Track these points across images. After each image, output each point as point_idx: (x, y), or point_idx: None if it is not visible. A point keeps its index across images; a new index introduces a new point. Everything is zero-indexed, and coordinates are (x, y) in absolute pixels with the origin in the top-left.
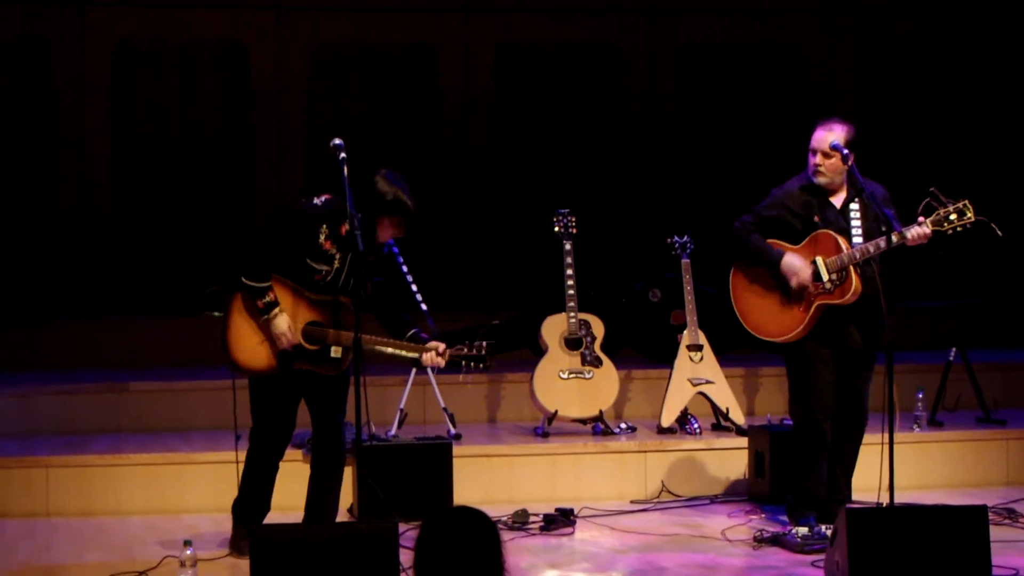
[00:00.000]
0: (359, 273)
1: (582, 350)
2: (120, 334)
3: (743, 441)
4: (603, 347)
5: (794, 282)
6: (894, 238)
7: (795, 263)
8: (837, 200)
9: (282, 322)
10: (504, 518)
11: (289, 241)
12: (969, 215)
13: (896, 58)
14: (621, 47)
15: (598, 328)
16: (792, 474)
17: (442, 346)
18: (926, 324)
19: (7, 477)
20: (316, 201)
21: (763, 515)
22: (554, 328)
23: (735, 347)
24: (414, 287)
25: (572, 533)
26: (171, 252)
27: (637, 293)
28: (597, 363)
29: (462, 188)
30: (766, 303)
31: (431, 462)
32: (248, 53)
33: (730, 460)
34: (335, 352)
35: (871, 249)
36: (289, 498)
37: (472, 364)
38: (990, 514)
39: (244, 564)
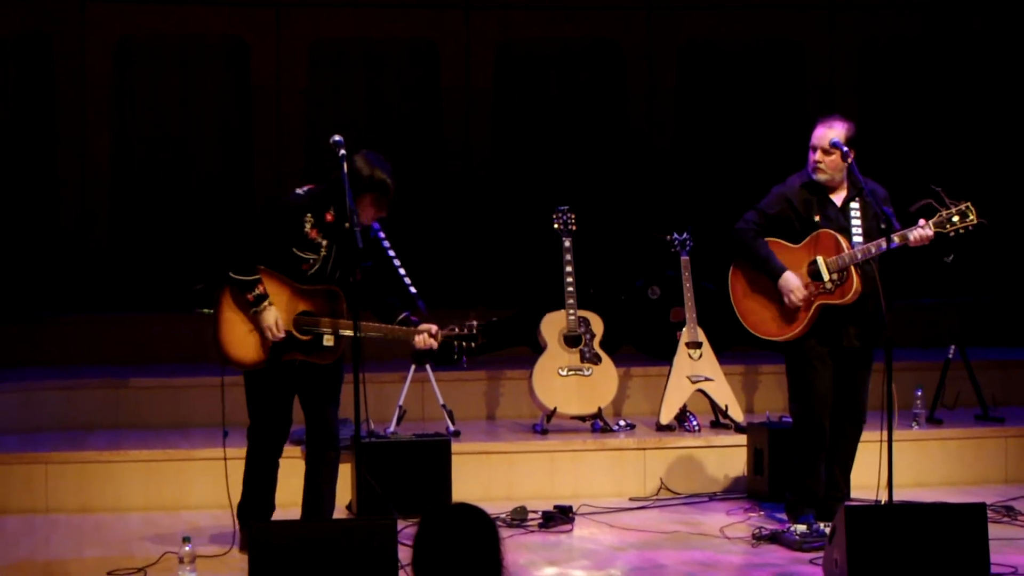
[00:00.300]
0: (348, 262)
1: (581, 347)
2: (120, 330)
3: (742, 438)
4: (602, 344)
5: (787, 300)
6: (896, 239)
7: (792, 283)
8: (837, 198)
9: (270, 315)
10: (503, 515)
11: (274, 231)
12: (971, 217)
13: (897, 56)
14: (622, 44)
15: (597, 325)
16: (791, 472)
17: (434, 327)
18: (925, 322)
19: (7, 473)
20: (299, 191)
21: (762, 513)
22: (553, 325)
23: (734, 344)
24: (402, 271)
25: (571, 530)
26: (171, 248)
27: (636, 290)
28: (596, 360)
29: (462, 185)
30: (766, 302)
31: (430, 459)
32: (248, 50)
33: (729, 457)
34: (328, 341)
35: (872, 249)
36: (289, 495)
37: (464, 344)
38: (989, 512)
39: (244, 561)
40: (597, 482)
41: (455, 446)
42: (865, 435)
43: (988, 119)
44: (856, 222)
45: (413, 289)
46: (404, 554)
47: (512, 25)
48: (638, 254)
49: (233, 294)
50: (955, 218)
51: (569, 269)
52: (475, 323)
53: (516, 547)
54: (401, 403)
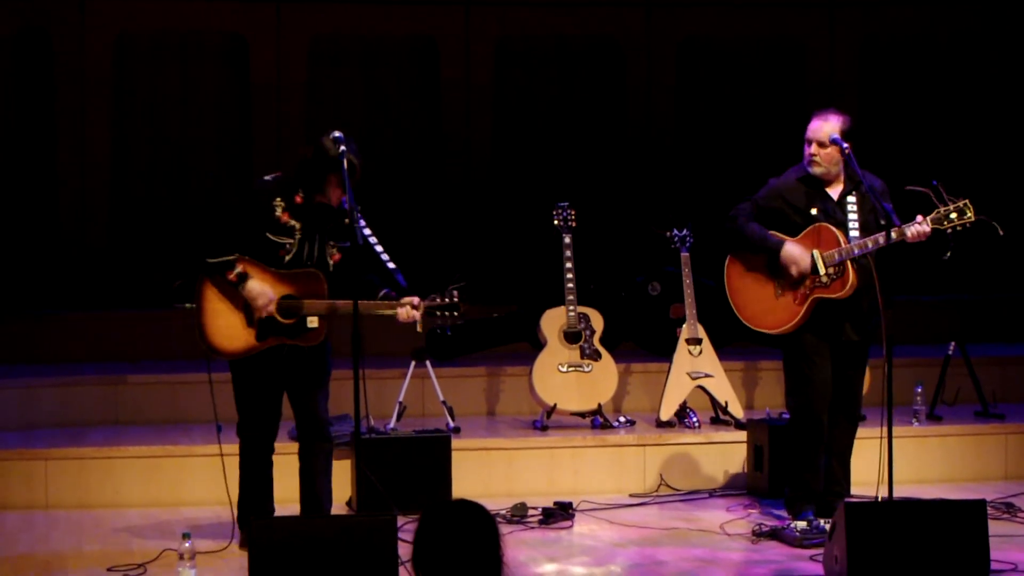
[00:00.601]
0: (323, 244)
1: (581, 343)
2: (120, 327)
3: (742, 435)
4: (602, 340)
5: (794, 271)
6: (893, 234)
7: (795, 252)
8: (834, 192)
9: (256, 286)
10: (503, 511)
11: (244, 217)
12: (969, 214)
13: (897, 52)
14: (621, 40)
15: (597, 321)
16: (790, 468)
17: (416, 299)
18: (925, 318)
19: (6, 469)
20: (267, 178)
21: (762, 509)
22: (553, 321)
23: (734, 341)
24: (379, 248)
25: (571, 527)
26: (171, 245)
27: (636, 286)
28: (596, 356)
29: (462, 181)
30: (761, 296)
31: (430, 455)
32: (248, 47)
33: (729, 454)
34: (311, 322)
35: (869, 244)
36: (290, 492)
37: (447, 313)
38: (989, 508)
39: (243, 557)
40: (597, 478)
41: (455, 442)
42: (865, 432)
43: (988, 116)
44: (853, 216)
45: (392, 264)
46: (404, 550)
47: (512, 21)
48: (638, 250)
49: (214, 283)
50: (953, 215)
51: (569, 265)
52: (455, 292)
53: (516, 543)
54: (401, 399)
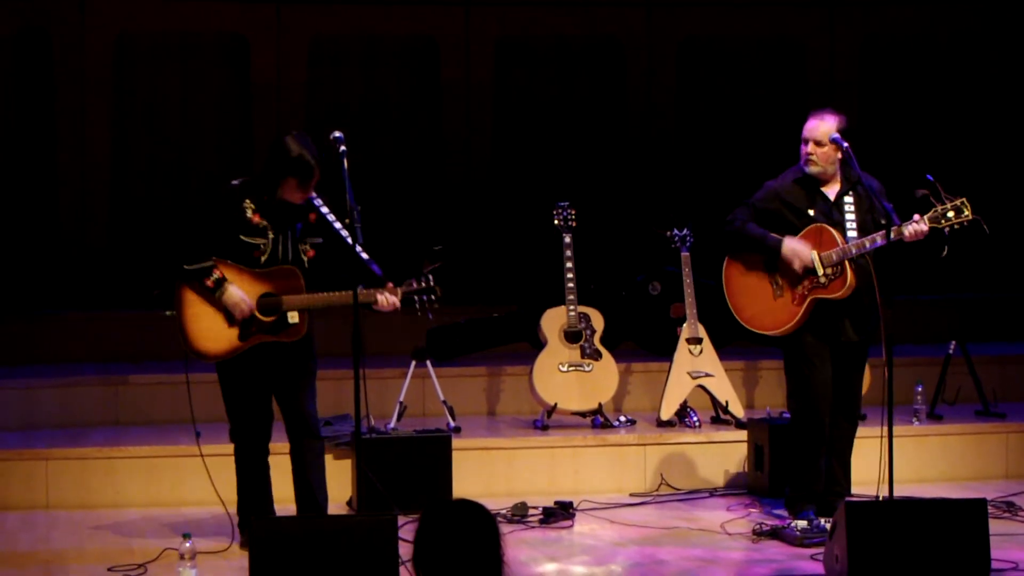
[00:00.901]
0: (296, 241)
1: (581, 343)
2: (120, 327)
3: (742, 434)
4: (603, 340)
5: (797, 264)
6: (892, 234)
7: (796, 246)
8: (831, 192)
9: (235, 292)
10: (503, 511)
11: (216, 220)
12: (967, 213)
13: (897, 52)
14: (622, 40)
15: (598, 321)
16: (791, 468)
17: (390, 285)
18: (925, 317)
19: (7, 469)
20: (234, 182)
21: (762, 508)
22: (554, 321)
23: (734, 340)
24: (350, 240)
25: (571, 526)
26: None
27: (637, 286)
28: (596, 356)
29: (462, 181)
30: (760, 297)
31: (430, 455)
32: (248, 47)
33: (729, 453)
34: (292, 317)
35: (867, 244)
36: (288, 491)
37: (424, 297)
38: (989, 507)
39: (244, 557)
40: (598, 478)
41: (456, 442)
42: (866, 431)
43: (988, 116)
44: (850, 216)
45: (365, 255)
46: (405, 550)
47: (512, 21)
48: (638, 250)
49: (192, 288)
50: (950, 213)
51: (569, 265)
52: (431, 275)
53: (516, 543)
54: (402, 399)
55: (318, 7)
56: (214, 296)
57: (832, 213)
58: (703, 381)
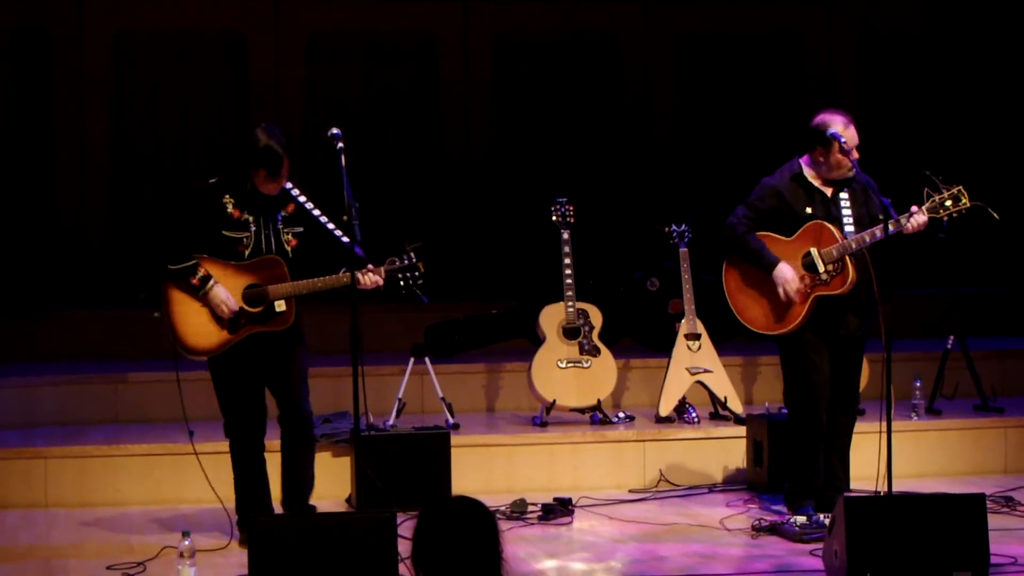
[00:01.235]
0: (278, 232)
1: (580, 339)
2: (119, 325)
3: (741, 430)
4: (601, 336)
5: (781, 292)
6: (891, 227)
7: (787, 274)
8: (827, 189)
9: (219, 292)
10: (502, 508)
11: (196, 218)
12: (964, 201)
13: (896, 47)
14: (619, 36)
15: (596, 317)
16: (789, 463)
17: (371, 266)
18: (923, 312)
19: (6, 468)
20: (211, 180)
21: (761, 504)
22: (552, 317)
23: (733, 336)
24: (330, 225)
25: (570, 523)
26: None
27: (635, 282)
28: (595, 352)
29: (461, 177)
30: (762, 297)
31: (429, 452)
32: (247, 44)
33: (728, 449)
34: (279, 306)
35: (867, 238)
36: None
37: (408, 275)
38: (988, 502)
39: (243, 555)
40: (596, 474)
41: (454, 439)
42: (864, 426)
43: (987, 110)
44: (847, 211)
45: (345, 239)
46: (404, 547)
47: (510, 17)
48: (637, 246)
49: (177, 287)
50: (948, 202)
51: (568, 261)
52: (413, 253)
53: (516, 540)
54: (400, 396)
55: (316, 4)
56: (199, 294)
57: (830, 209)
58: (702, 377)
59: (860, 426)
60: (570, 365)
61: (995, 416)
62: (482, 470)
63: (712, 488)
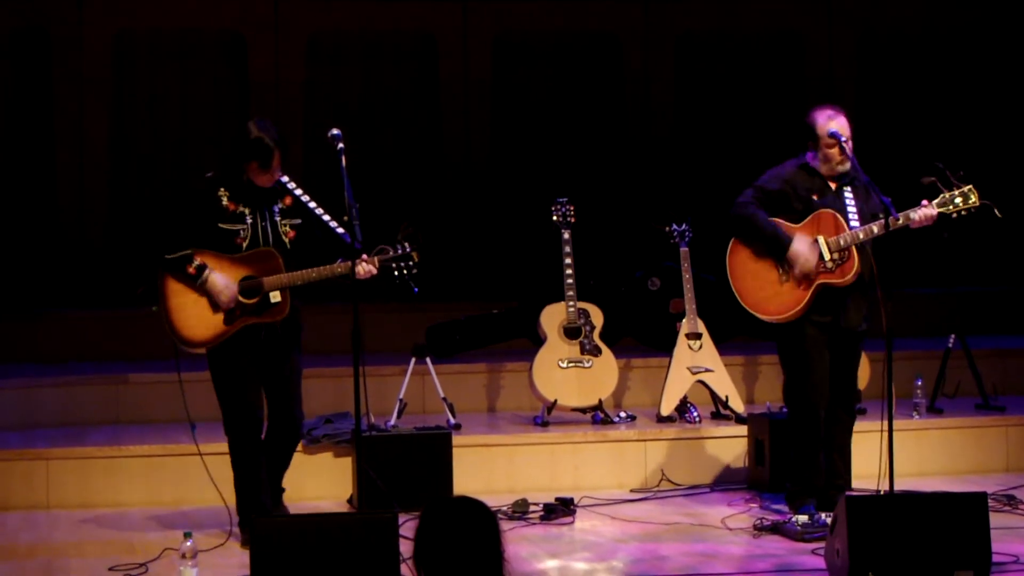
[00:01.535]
0: (275, 224)
1: (581, 339)
2: (120, 326)
3: (743, 429)
4: (602, 336)
5: (797, 270)
6: (900, 219)
7: (803, 251)
8: (832, 184)
9: (218, 279)
10: (504, 508)
11: (192, 211)
12: (973, 199)
13: (896, 46)
14: (620, 35)
15: (597, 317)
16: (790, 462)
17: (365, 256)
18: (925, 311)
19: (7, 469)
20: (208, 174)
21: (763, 503)
22: (553, 317)
23: (734, 335)
24: (326, 217)
25: (572, 522)
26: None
27: (636, 282)
28: (596, 352)
29: (461, 177)
30: (765, 282)
31: (431, 452)
32: (246, 44)
33: (730, 448)
34: (274, 297)
35: (875, 229)
36: (290, 488)
37: (402, 265)
38: (990, 501)
39: (245, 556)
40: (598, 474)
41: (456, 439)
42: (866, 425)
43: (987, 109)
44: (851, 208)
45: (340, 230)
46: (405, 547)
47: (510, 17)
48: (637, 245)
49: (174, 278)
50: (958, 199)
51: (568, 261)
52: (406, 243)
53: (517, 539)
54: (402, 396)
55: (316, 3)
56: (196, 283)
57: (835, 203)
58: (703, 376)
59: (862, 425)
60: (571, 365)
61: (996, 415)
62: (483, 470)
63: (713, 487)
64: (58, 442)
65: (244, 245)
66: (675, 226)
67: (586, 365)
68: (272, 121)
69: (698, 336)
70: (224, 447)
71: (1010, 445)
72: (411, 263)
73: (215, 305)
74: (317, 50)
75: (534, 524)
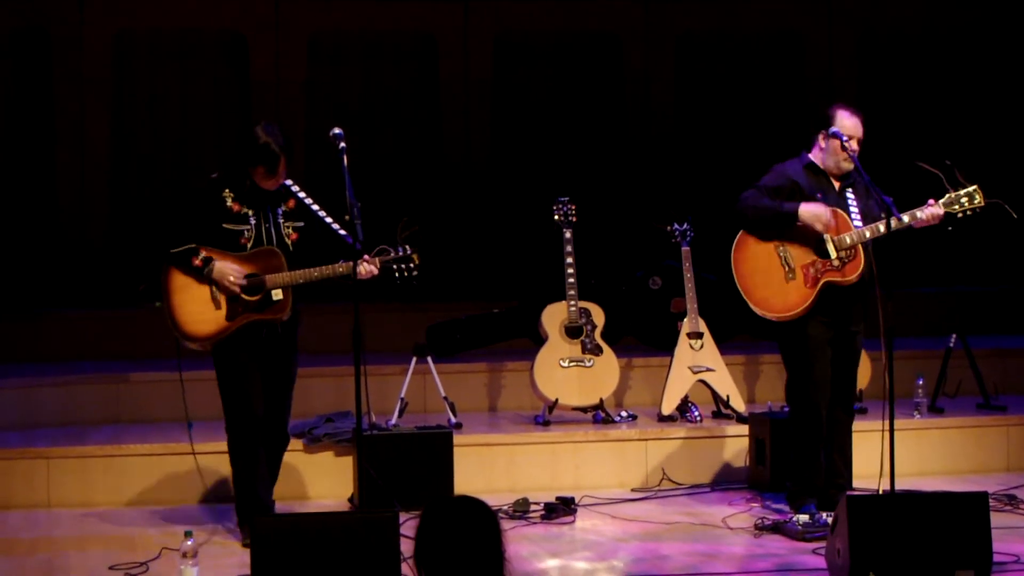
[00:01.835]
0: (278, 226)
1: (582, 338)
2: (120, 325)
3: (744, 429)
4: (603, 335)
5: (819, 226)
6: (905, 218)
7: (815, 208)
8: (835, 183)
9: (224, 266)
10: (505, 507)
11: (197, 209)
12: (979, 199)
13: (896, 46)
14: (620, 35)
15: (598, 316)
16: (791, 462)
17: (367, 256)
18: (925, 310)
19: (8, 468)
20: (213, 175)
21: (763, 503)
22: (554, 316)
23: (735, 334)
24: (328, 219)
25: (573, 522)
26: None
27: (637, 281)
28: (597, 351)
29: (462, 177)
30: (771, 279)
31: (432, 451)
32: (247, 44)
33: (731, 448)
34: (276, 295)
35: (881, 228)
36: (291, 488)
37: (402, 266)
38: (991, 500)
39: (245, 555)
40: (599, 473)
41: (457, 438)
42: (867, 424)
43: (988, 109)
44: (853, 207)
45: (343, 232)
46: (406, 547)
47: (510, 17)
48: (639, 245)
49: (176, 274)
50: (964, 199)
51: (570, 260)
52: (407, 246)
53: (518, 539)
54: (403, 395)
55: (317, 3)
56: (203, 273)
57: (838, 203)
58: (704, 376)
59: (862, 424)
60: (572, 364)
61: (997, 414)
62: (484, 469)
63: (714, 487)
64: (59, 441)
65: (248, 246)
66: (676, 225)
67: (587, 364)
68: (279, 126)
69: (699, 335)
70: (224, 445)
71: (1011, 445)
72: (411, 264)
73: (217, 302)
74: (318, 50)
75: (535, 523)
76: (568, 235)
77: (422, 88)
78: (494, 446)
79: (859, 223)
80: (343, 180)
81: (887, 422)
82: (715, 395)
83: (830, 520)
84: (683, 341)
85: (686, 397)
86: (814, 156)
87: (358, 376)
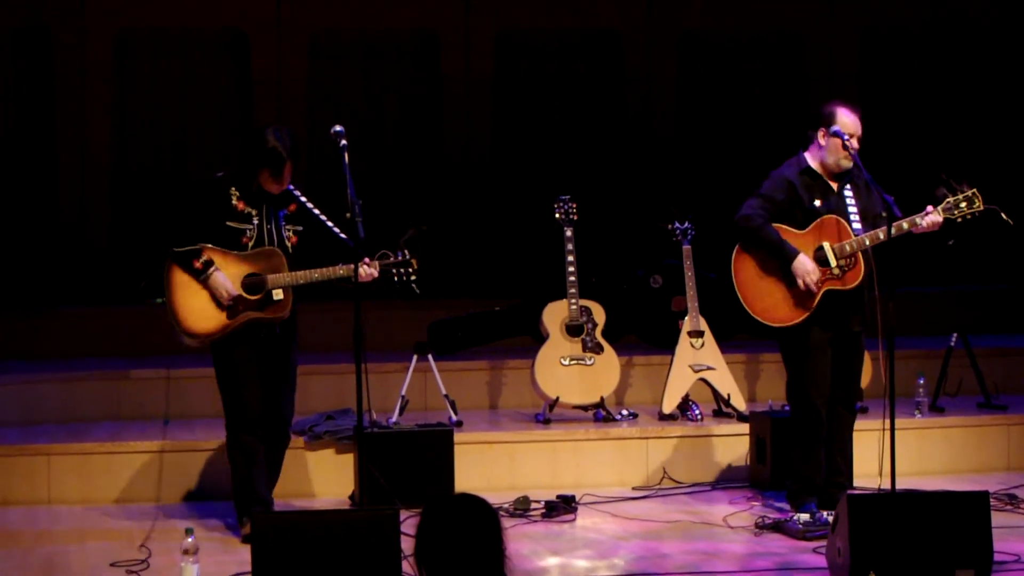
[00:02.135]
0: (280, 228)
1: (583, 336)
2: (121, 322)
3: (744, 427)
4: (604, 333)
5: (801, 283)
6: (905, 224)
7: (807, 266)
8: (833, 184)
9: (219, 277)
10: (505, 505)
11: (203, 207)
12: (978, 203)
13: (898, 43)
14: (622, 33)
15: (599, 314)
16: (791, 460)
17: (367, 259)
18: (926, 310)
19: (9, 465)
20: (218, 174)
21: (764, 501)
22: (555, 315)
23: (736, 333)
24: (329, 223)
25: (574, 520)
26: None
27: (638, 279)
28: (598, 349)
29: (463, 175)
30: (772, 288)
31: (432, 449)
32: (249, 41)
33: (731, 446)
34: (277, 295)
35: (881, 236)
36: (292, 485)
37: (401, 271)
38: (991, 500)
39: (246, 552)
40: (600, 471)
41: (458, 436)
42: (868, 423)
43: (989, 107)
44: (852, 208)
45: (343, 236)
46: (407, 544)
47: (512, 15)
48: (640, 243)
49: (179, 272)
50: (963, 204)
51: (571, 259)
52: (406, 250)
53: (519, 537)
54: (403, 393)
55: (318, 2)
56: (200, 278)
57: (838, 204)
58: (705, 374)
59: (863, 423)
60: (573, 362)
61: (998, 413)
62: (485, 467)
63: (715, 485)
64: (59, 438)
65: (249, 245)
66: (677, 224)
67: (588, 363)
68: (289, 130)
69: (700, 334)
70: (219, 443)
71: (1012, 444)
72: (410, 269)
73: (218, 299)
74: (319, 48)
75: (535, 521)
76: (569, 233)
77: (423, 86)
78: (495, 444)
79: (858, 225)
80: (344, 178)
81: (888, 421)
82: (716, 394)
83: (831, 519)
84: (684, 339)
85: (687, 396)
86: (812, 155)
87: (359, 374)
